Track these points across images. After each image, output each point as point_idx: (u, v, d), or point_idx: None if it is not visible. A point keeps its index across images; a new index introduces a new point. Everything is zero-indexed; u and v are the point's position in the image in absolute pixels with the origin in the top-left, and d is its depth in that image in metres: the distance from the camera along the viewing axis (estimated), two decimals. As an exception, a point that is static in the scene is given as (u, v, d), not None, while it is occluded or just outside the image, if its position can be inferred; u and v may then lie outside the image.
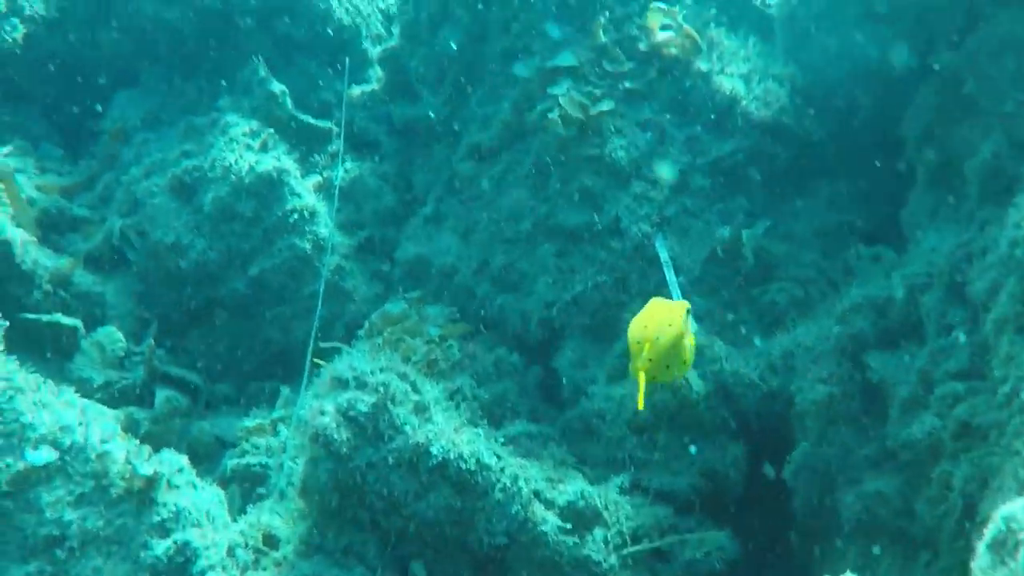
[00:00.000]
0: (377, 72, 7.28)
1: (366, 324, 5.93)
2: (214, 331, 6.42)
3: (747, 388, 5.33)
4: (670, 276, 5.59)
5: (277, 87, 6.86)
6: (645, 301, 5.09)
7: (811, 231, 5.95)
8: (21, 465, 3.87)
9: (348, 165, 6.95)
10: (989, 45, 4.85)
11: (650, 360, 3.89)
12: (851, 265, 5.76)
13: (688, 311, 4.11)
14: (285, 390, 5.98)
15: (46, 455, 3.92)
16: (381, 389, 4.34)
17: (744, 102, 5.98)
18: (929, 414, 4.45)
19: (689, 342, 4.10)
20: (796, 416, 5.10)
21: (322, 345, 5.62)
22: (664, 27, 6.06)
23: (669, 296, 5.41)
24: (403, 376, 4.51)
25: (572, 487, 4.61)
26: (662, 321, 3.97)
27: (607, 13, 6.06)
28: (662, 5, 6.08)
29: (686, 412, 5.26)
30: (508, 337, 6.04)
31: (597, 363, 5.74)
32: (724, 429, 5.22)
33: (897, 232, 5.63)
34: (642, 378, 3.87)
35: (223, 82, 7.01)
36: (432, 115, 6.75)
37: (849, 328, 5.07)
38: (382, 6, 7.86)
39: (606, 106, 5.85)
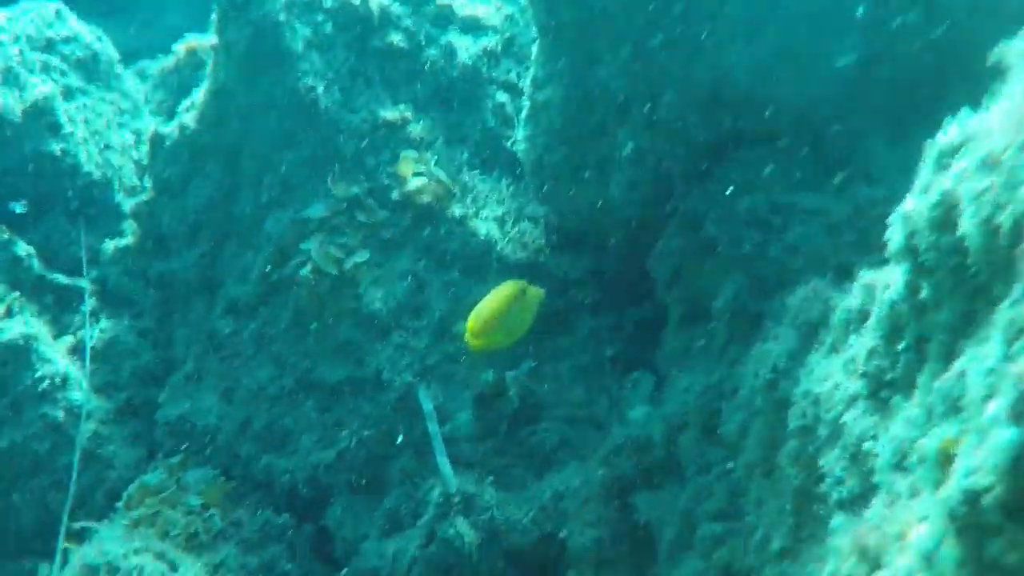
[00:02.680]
0: (132, 225, 7.06)
1: (124, 496, 5.67)
2: (-37, 511, 6.05)
3: (521, 534, 5.30)
4: (433, 428, 5.54)
5: (22, 249, 6.62)
6: (414, 453, 5.16)
7: (575, 367, 5.98)
8: None
9: (104, 324, 6.70)
10: (724, 187, 4.99)
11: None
12: (614, 396, 5.82)
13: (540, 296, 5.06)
14: (43, 570, 5.66)
15: None
16: (135, 574, 4.14)
17: (499, 245, 6.01)
18: (694, 556, 4.48)
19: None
20: (569, 560, 5.08)
21: (76, 525, 5.34)
22: (417, 174, 6.07)
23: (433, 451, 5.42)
24: (160, 555, 4.33)
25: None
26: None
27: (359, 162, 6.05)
28: (412, 153, 6.09)
29: (461, 565, 5.18)
30: (277, 496, 5.87)
31: (368, 518, 5.63)
32: (500, 577, 5.18)
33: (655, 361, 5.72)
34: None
35: (-35, 245, 6.70)
36: (188, 270, 6.57)
37: (614, 470, 5.09)
38: (136, 156, 7.68)
39: (360, 257, 5.81)
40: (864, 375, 3.19)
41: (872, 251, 4.58)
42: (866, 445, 3.06)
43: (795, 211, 4.88)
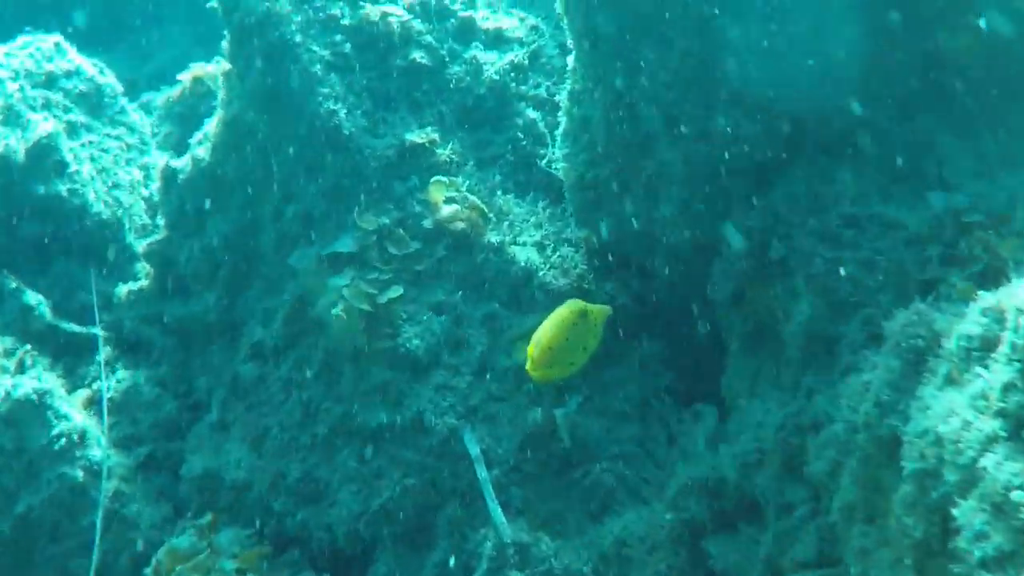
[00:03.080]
0: (145, 267, 6.67)
1: (152, 563, 5.28)
2: (-22, 584, 5.66)
3: (582, 584, 4.91)
4: (482, 473, 5.15)
5: (32, 298, 6.26)
6: (461, 501, 4.82)
7: (627, 401, 5.57)
8: None
9: (120, 373, 6.32)
10: (788, 201, 4.62)
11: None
12: (673, 431, 5.43)
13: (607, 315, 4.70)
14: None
15: None
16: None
17: (541, 272, 5.61)
18: (783, 608, 4.09)
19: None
20: (638, 613, 4.69)
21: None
22: (448, 200, 5.68)
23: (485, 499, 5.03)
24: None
25: None
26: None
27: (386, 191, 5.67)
28: (443, 178, 5.71)
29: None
30: (315, 554, 5.47)
31: (415, 574, 5.23)
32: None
33: (714, 391, 5.34)
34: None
35: (-31, 298, 6.33)
36: (208, 312, 6.19)
37: (682, 513, 4.72)
38: (145, 193, 7.30)
39: (394, 293, 5.42)
40: (1002, 413, 2.79)
41: (959, 265, 4.25)
42: (1015, 495, 2.66)
43: (869, 223, 4.50)
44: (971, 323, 3.08)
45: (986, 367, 2.96)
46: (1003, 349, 2.88)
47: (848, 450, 3.73)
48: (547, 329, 4.55)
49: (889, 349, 3.51)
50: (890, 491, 3.42)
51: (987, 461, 2.78)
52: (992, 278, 3.85)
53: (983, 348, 3.01)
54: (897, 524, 3.30)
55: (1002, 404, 2.79)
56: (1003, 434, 2.77)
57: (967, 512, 2.83)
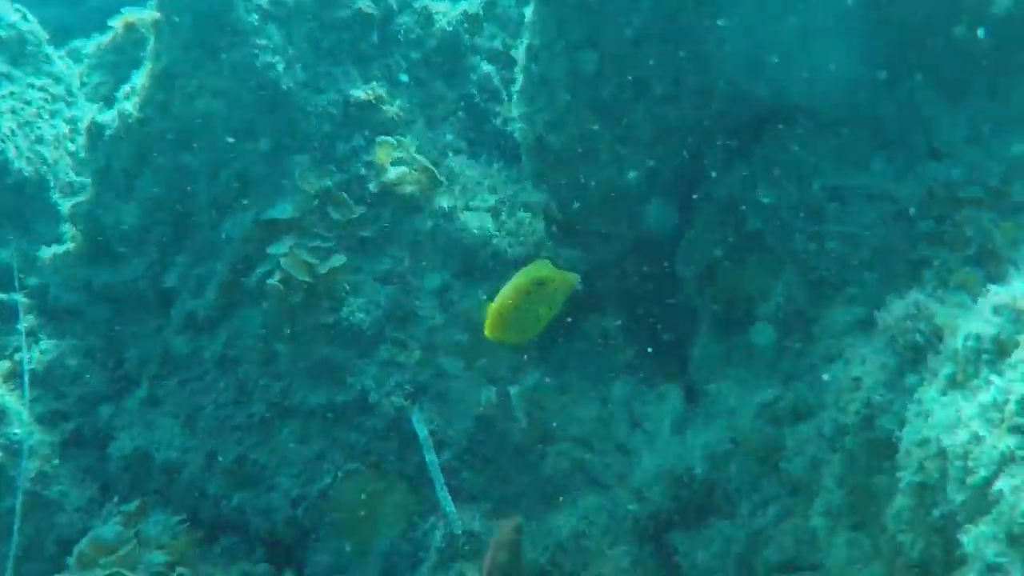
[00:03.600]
0: (71, 229, 6.20)
1: (75, 553, 4.88)
2: None
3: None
4: (430, 457, 4.80)
5: (-53, 263, 5.80)
6: (410, 487, 4.47)
7: (586, 378, 5.22)
8: None
9: (44, 344, 5.88)
10: (765, 170, 4.26)
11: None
12: (636, 414, 5.09)
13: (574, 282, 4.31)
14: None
15: None
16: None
17: (495, 240, 5.23)
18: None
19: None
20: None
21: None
22: (396, 161, 5.27)
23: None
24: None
25: None
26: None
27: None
28: (390, 138, 5.29)
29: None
30: (252, 540, 5.11)
31: (359, 565, 4.89)
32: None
33: (680, 370, 5.01)
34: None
35: None
36: (138, 280, 5.75)
37: (647, 505, 4.40)
38: (72, 148, 6.82)
39: (337, 262, 5.02)
40: (1018, 429, 2.46)
41: (950, 246, 3.91)
42: (1036, 527, 2.34)
43: (853, 196, 4.15)
44: (982, 321, 2.73)
45: (999, 373, 2.62)
46: (1021, 355, 2.54)
47: (833, 449, 3.41)
48: (509, 289, 4.25)
49: (884, 344, 3.17)
50: (882, 500, 3.11)
51: (1003, 484, 2.45)
52: (987, 263, 3.54)
53: (996, 351, 2.68)
54: (891, 539, 2.98)
55: (1020, 419, 2.45)
56: (1021, 454, 2.44)
57: (978, 540, 2.50)
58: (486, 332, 4.25)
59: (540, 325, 4.36)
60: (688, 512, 4.30)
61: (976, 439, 2.59)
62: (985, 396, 2.62)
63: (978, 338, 2.73)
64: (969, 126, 4.22)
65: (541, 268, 4.36)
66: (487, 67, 5.80)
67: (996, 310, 2.70)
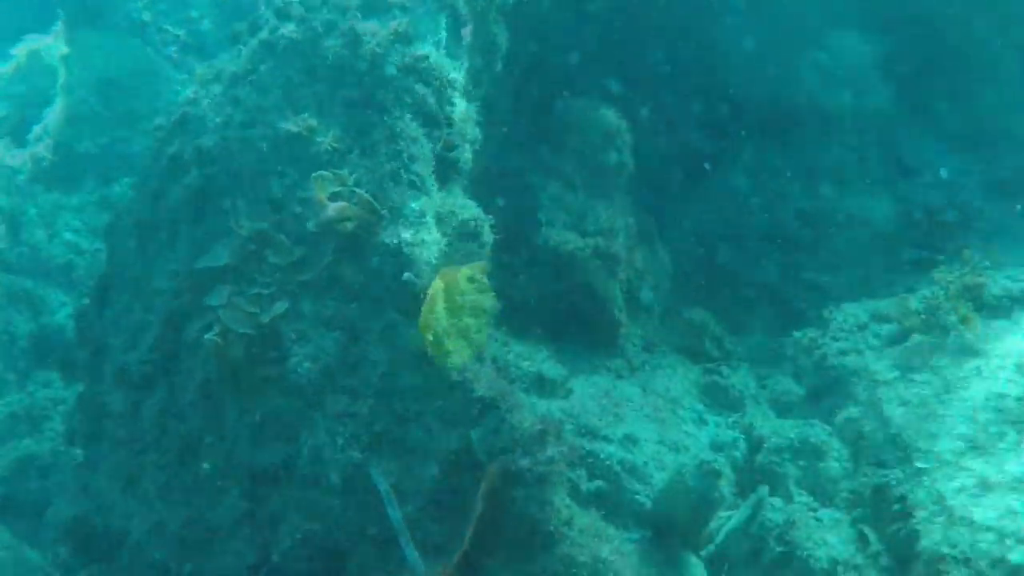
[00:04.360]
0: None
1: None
2: None
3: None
4: (393, 512, 4.53)
5: None
6: (372, 545, 4.21)
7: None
8: None
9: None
10: (733, 199, 4.05)
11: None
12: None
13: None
14: None
15: None
16: None
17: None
18: None
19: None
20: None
21: None
22: (334, 196, 4.95)
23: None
24: None
25: None
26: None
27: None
28: (326, 172, 4.97)
29: None
30: (208, 609, 4.82)
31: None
32: None
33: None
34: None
35: None
36: (64, 329, 5.42)
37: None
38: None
39: (279, 309, 4.72)
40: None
41: (932, 272, 3.72)
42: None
43: (828, 220, 3.95)
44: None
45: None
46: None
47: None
48: (424, 307, 4.41)
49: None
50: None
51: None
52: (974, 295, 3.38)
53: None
54: None
55: None
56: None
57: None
58: (429, 351, 4.38)
59: (481, 322, 4.23)
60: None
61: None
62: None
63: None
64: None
65: (444, 272, 4.55)
66: (422, 88, 5.48)
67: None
